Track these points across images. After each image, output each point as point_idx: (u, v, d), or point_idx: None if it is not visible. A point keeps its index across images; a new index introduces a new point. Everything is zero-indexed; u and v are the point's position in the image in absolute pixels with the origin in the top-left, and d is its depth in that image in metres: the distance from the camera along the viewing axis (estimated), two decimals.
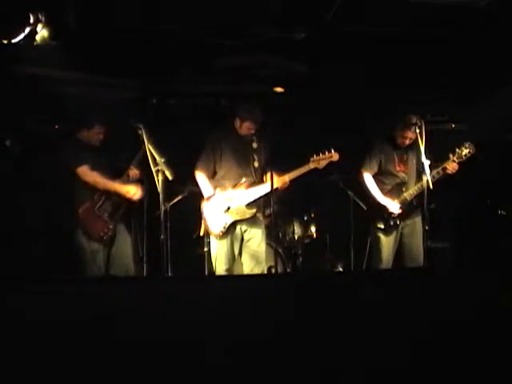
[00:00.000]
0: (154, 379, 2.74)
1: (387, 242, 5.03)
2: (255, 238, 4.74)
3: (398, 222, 5.02)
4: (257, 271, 4.68)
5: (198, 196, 4.82)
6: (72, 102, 5.30)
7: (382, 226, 5.02)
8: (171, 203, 5.18)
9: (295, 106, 6.07)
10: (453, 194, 5.87)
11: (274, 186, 4.55)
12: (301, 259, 5.77)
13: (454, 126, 6.06)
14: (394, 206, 4.99)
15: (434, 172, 4.83)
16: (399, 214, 5.00)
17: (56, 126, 5.45)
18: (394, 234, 5.04)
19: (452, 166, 4.85)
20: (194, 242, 5.27)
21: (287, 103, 6.09)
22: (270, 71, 5.63)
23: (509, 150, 5.70)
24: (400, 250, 5.07)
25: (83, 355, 2.71)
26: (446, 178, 4.86)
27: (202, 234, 4.83)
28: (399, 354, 2.84)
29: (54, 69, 5.12)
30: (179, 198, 5.27)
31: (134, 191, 4.64)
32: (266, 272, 4.87)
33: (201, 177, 4.76)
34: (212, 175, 4.78)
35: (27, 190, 5.04)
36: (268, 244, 5.16)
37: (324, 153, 4.67)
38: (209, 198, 4.70)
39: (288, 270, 5.64)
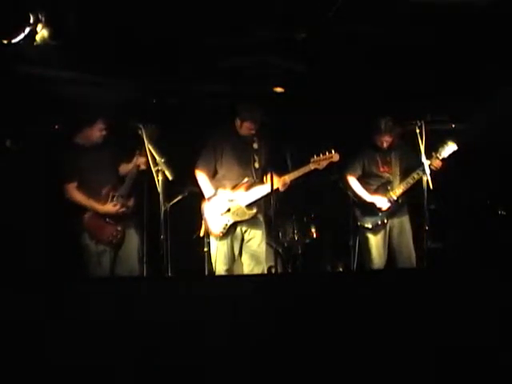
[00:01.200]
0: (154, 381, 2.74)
1: (376, 242, 5.08)
2: (255, 239, 4.74)
3: (386, 221, 5.05)
4: (257, 271, 4.69)
5: (198, 196, 4.82)
6: (72, 102, 5.30)
7: (370, 226, 5.07)
8: (171, 203, 5.17)
9: (295, 106, 6.07)
10: (453, 194, 5.87)
11: (275, 187, 4.55)
12: (301, 259, 5.77)
13: (454, 125, 6.07)
14: (381, 202, 5.03)
15: (418, 170, 4.90)
16: (386, 212, 5.02)
17: (56, 126, 5.43)
18: (383, 233, 5.08)
19: (436, 164, 4.90)
20: (193, 242, 5.26)
21: (287, 103, 6.09)
22: (270, 71, 5.63)
23: (509, 150, 5.69)
24: (391, 252, 5.10)
25: (84, 355, 2.71)
26: (431, 177, 4.88)
27: (202, 234, 4.83)
28: (399, 354, 2.84)
29: (53, 69, 5.11)
30: (179, 198, 5.26)
31: (113, 210, 4.60)
32: (266, 272, 4.87)
33: (201, 177, 4.76)
34: (213, 175, 4.78)
35: (28, 191, 5.02)
36: (268, 244, 5.16)
37: (324, 153, 4.68)
38: (209, 198, 4.70)
39: (288, 270, 5.64)
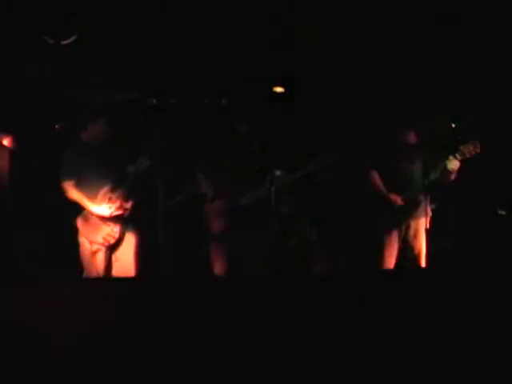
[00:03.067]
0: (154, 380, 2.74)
1: (389, 241, 5.05)
2: (254, 239, 4.75)
3: (401, 220, 5.03)
4: (256, 272, 4.69)
5: (198, 196, 4.82)
6: (74, 101, 5.31)
7: (383, 224, 5.04)
8: (171, 203, 5.17)
9: (296, 106, 6.05)
10: (453, 195, 5.86)
11: (276, 188, 4.56)
12: (301, 259, 5.76)
13: (454, 125, 6.06)
14: (397, 200, 4.99)
15: (438, 171, 4.86)
16: (403, 212, 5.02)
17: (56, 126, 5.44)
18: (397, 233, 5.05)
19: (454, 165, 4.87)
20: (194, 242, 5.27)
21: (288, 103, 6.07)
22: (270, 71, 5.63)
23: (509, 150, 5.69)
24: (404, 251, 5.08)
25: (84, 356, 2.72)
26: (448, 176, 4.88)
27: (201, 234, 4.83)
28: (400, 355, 2.84)
29: (54, 68, 5.13)
30: (179, 198, 5.26)
31: (108, 212, 4.57)
32: (265, 272, 4.87)
33: (202, 178, 4.74)
34: (213, 175, 4.77)
35: (27, 190, 5.03)
36: (268, 244, 5.16)
37: (324, 155, 4.69)
38: (212, 199, 4.70)
39: (288, 269, 5.63)
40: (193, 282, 3.32)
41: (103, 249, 4.56)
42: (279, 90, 6.03)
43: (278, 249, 5.53)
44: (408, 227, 5.04)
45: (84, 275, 4.55)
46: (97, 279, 4.36)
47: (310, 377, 2.74)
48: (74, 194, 4.55)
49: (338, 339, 2.89)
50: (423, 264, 4.94)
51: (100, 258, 4.54)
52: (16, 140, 4.95)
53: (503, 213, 5.51)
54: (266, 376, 2.75)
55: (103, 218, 4.56)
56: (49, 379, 2.68)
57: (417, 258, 4.99)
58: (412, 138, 5.02)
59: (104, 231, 4.55)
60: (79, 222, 4.57)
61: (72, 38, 4.27)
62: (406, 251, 5.05)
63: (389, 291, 3.07)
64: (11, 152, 4.85)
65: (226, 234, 4.70)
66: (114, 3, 4.47)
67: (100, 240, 4.54)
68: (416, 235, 5.04)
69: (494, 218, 5.60)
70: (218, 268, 4.71)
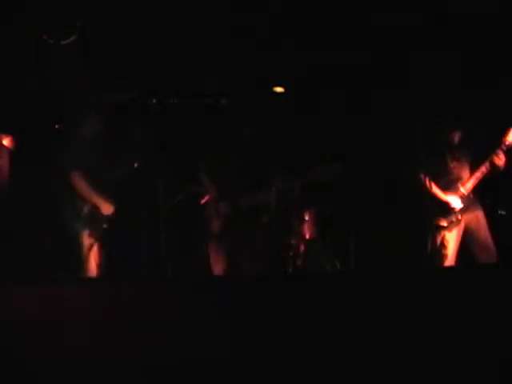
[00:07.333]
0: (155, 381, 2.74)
1: (451, 239, 5.02)
2: (254, 239, 4.75)
3: (460, 218, 5.02)
4: (255, 271, 4.70)
5: (198, 196, 4.82)
6: (72, 102, 5.32)
7: (445, 224, 5.02)
8: (172, 203, 5.17)
9: (297, 108, 6.04)
10: None
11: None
12: (301, 259, 5.75)
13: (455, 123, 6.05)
14: (456, 202, 5.00)
15: (482, 167, 4.90)
16: (460, 209, 5.01)
17: (56, 126, 5.44)
18: (457, 230, 5.03)
19: (500, 158, 4.87)
20: (193, 242, 5.27)
21: (289, 105, 6.06)
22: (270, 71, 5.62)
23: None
24: (469, 247, 5.06)
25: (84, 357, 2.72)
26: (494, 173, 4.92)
27: (201, 234, 4.84)
28: (402, 356, 2.84)
29: (53, 68, 5.13)
30: (180, 197, 5.25)
31: (109, 210, 4.60)
32: (265, 272, 4.88)
33: (205, 177, 4.73)
34: (214, 175, 4.77)
35: (26, 189, 5.03)
36: (268, 244, 5.16)
37: (328, 164, 4.66)
38: (215, 200, 4.69)
39: (288, 270, 5.63)
40: (193, 282, 3.32)
41: (97, 244, 4.57)
42: (279, 90, 6.02)
43: (276, 248, 5.55)
44: (469, 223, 5.03)
45: (83, 271, 4.56)
46: (97, 279, 4.36)
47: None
48: (80, 184, 4.54)
49: (336, 342, 2.88)
50: (493, 257, 4.91)
51: (94, 252, 4.55)
52: (16, 140, 4.96)
53: (503, 213, 5.50)
54: (267, 377, 2.75)
55: (102, 215, 4.58)
56: (49, 380, 2.68)
57: (482, 252, 4.97)
58: (458, 137, 5.04)
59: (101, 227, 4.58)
60: (78, 217, 4.57)
61: (71, 38, 4.27)
62: (471, 247, 5.04)
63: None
64: (11, 152, 4.86)
65: (226, 234, 4.70)
66: (114, 3, 4.47)
67: (99, 235, 4.56)
68: (478, 229, 5.03)
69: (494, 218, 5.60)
70: (218, 268, 4.71)
